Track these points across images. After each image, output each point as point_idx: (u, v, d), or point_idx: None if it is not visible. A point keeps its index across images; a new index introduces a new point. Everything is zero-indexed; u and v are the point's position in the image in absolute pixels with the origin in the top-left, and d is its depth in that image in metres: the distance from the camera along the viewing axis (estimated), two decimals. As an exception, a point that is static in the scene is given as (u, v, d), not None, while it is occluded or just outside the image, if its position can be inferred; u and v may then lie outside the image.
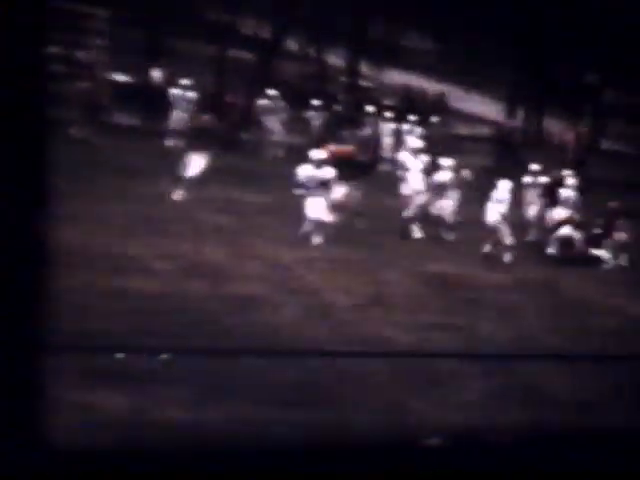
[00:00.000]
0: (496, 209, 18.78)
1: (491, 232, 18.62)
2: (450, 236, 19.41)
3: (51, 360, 2.00)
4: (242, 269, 15.31)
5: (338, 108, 31.09)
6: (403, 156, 21.18)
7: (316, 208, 17.56)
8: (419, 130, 28.87)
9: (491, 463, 2.30)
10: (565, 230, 18.75)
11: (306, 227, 17.54)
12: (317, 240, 17.44)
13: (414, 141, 22.39)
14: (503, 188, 19.12)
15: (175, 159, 19.78)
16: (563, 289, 16.89)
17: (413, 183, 19.78)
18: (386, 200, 20.52)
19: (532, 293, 16.16)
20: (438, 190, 19.55)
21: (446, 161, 20.11)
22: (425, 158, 20.36)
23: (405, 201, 19.73)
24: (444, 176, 19.65)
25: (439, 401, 10.90)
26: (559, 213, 19.62)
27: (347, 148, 20.34)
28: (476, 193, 23.19)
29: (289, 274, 15.49)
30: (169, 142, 25.24)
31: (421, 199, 19.55)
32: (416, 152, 20.67)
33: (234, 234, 17.32)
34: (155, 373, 10.43)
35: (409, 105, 33.45)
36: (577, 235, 18.77)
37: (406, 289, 15.53)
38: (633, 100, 36.99)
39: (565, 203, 19.73)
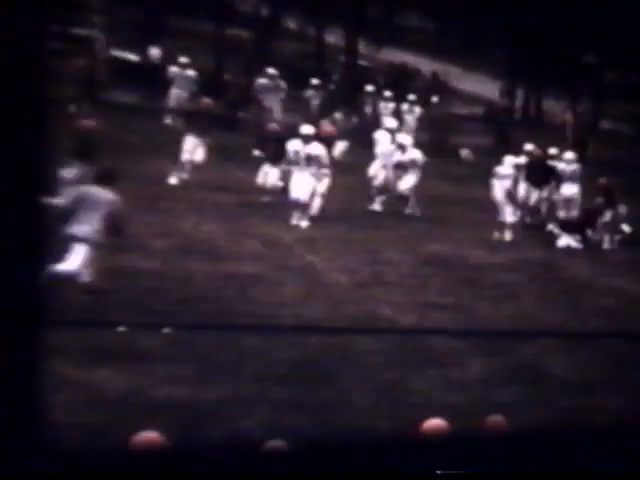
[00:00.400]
0: (500, 186, 18.78)
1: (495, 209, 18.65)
2: (415, 213, 19.18)
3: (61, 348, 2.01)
4: (241, 248, 15.29)
5: (336, 87, 30.99)
6: (379, 135, 20.79)
7: (301, 184, 17.33)
8: (418, 110, 28.82)
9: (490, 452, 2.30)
10: (564, 240, 18.68)
11: (292, 207, 17.31)
12: (303, 222, 17.17)
13: (389, 121, 22.04)
14: (507, 165, 19.14)
15: (174, 137, 19.72)
16: (561, 269, 16.89)
17: (384, 161, 19.61)
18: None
19: (531, 273, 16.17)
20: (402, 168, 19.31)
21: (407, 139, 19.94)
22: (402, 137, 20.17)
23: (372, 178, 19.59)
24: (408, 154, 19.40)
25: (439, 381, 10.90)
26: (567, 189, 19.61)
27: (329, 128, 20.09)
28: (475, 172, 23.25)
29: (288, 253, 15.48)
30: (168, 120, 25.18)
31: (388, 176, 19.41)
32: (391, 131, 20.44)
33: (233, 213, 17.29)
34: (156, 350, 10.45)
35: (404, 84, 33.35)
36: (576, 244, 18.68)
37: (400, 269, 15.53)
38: (633, 80, 36.89)
39: (571, 179, 19.72)
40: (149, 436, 5.80)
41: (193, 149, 19.05)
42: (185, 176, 18.85)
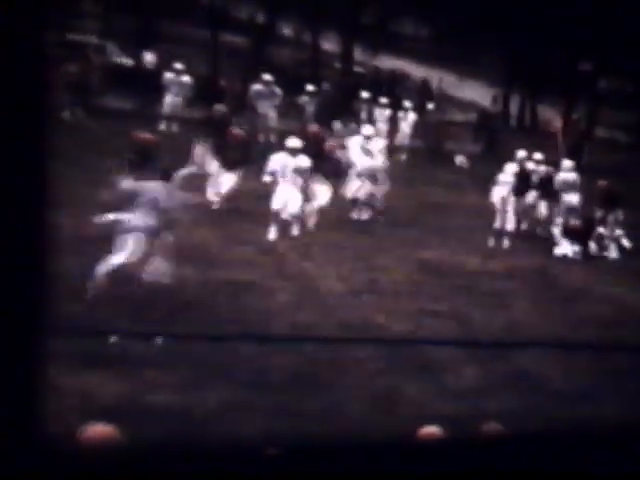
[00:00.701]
0: (501, 193, 18.77)
1: (495, 217, 18.64)
2: (378, 220, 18.84)
3: (52, 354, 2.03)
4: (233, 255, 15.24)
5: (332, 94, 30.97)
6: (352, 142, 20.06)
7: (284, 198, 16.85)
8: (412, 116, 28.81)
9: (485, 459, 2.28)
10: (562, 249, 18.65)
11: (274, 220, 16.74)
12: (286, 235, 16.73)
13: (367, 128, 21.37)
14: (508, 173, 19.09)
15: (168, 144, 19.63)
16: (556, 277, 16.86)
17: (358, 169, 19.08)
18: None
19: (526, 281, 16.13)
20: (369, 175, 18.86)
21: (375, 145, 19.47)
22: (376, 144, 19.84)
23: (350, 187, 19.15)
24: (372, 161, 18.98)
25: (433, 389, 10.86)
26: (568, 197, 19.57)
27: (316, 130, 19.60)
28: (470, 179, 23.23)
29: (281, 260, 15.44)
30: (162, 126, 25.14)
31: (361, 185, 18.95)
32: (368, 139, 19.89)
33: (226, 219, 17.24)
34: (149, 357, 10.40)
35: (393, 90, 33.37)
36: (575, 250, 18.63)
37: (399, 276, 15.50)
38: (628, 87, 36.97)
39: (571, 187, 19.70)
40: (103, 430, 5.69)
41: (203, 160, 18.80)
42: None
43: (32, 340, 1.84)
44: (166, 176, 12.77)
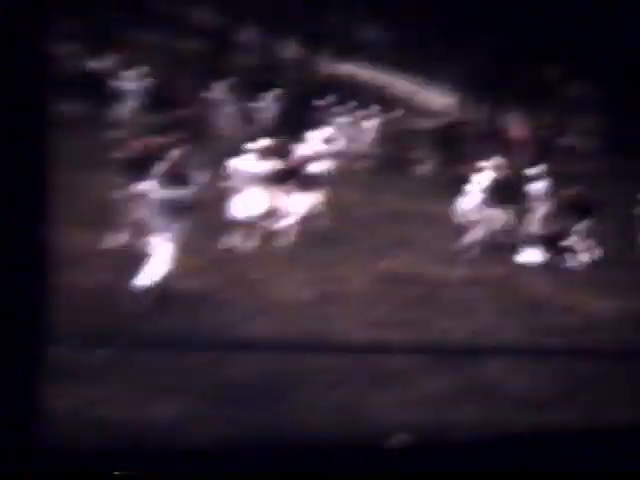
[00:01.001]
0: (468, 201, 18.63)
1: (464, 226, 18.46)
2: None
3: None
4: (187, 263, 14.94)
5: (290, 100, 30.86)
6: (311, 146, 19.68)
7: (244, 204, 16.46)
8: (372, 123, 28.67)
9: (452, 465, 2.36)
10: (525, 257, 18.60)
11: (234, 227, 16.38)
12: (248, 242, 16.38)
13: (325, 130, 20.73)
14: (476, 180, 18.96)
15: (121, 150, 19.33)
16: (520, 286, 16.78)
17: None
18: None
19: (490, 289, 16.03)
20: (312, 182, 17.98)
21: (322, 150, 18.97)
22: (336, 148, 19.53)
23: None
24: (314, 166, 18.14)
25: (395, 399, 10.64)
26: (539, 206, 19.62)
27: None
28: (430, 187, 23.21)
29: (237, 269, 15.15)
30: (115, 133, 24.80)
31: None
32: (327, 142, 19.41)
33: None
34: (97, 369, 10.07)
35: (354, 97, 33.28)
36: (541, 258, 18.59)
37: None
38: (595, 94, 37.16)
39: (538, 194, 19.75)
40: None
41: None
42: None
43: (32, 345, 1.92)
44: (179, 181, 12.77)
